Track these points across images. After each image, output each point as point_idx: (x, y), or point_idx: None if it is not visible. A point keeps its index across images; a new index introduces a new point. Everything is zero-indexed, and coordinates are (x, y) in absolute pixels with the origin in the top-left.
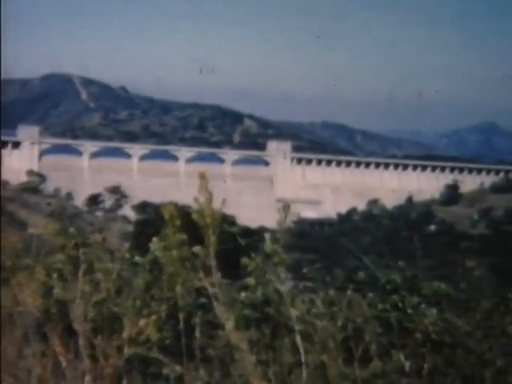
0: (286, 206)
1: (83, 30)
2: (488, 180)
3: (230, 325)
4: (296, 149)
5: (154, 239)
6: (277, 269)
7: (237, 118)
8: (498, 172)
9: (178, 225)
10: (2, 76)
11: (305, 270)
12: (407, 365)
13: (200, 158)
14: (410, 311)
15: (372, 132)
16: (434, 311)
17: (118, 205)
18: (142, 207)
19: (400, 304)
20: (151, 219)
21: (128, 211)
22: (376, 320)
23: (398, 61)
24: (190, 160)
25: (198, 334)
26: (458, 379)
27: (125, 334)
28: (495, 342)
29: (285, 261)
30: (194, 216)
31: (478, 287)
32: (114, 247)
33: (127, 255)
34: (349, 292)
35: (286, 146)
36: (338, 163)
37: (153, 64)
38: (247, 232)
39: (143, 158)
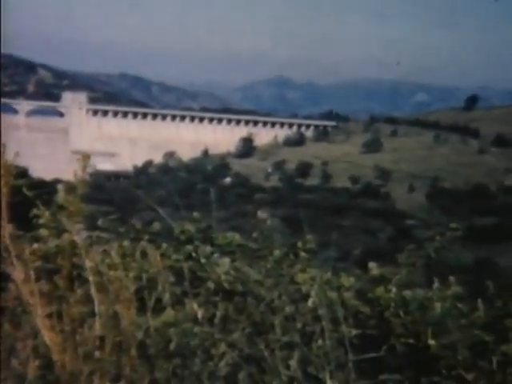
0: (85, 156)
1: None
2: (281, 133)
3: (20, 277)
4: (92, 100)
5: None
6: (71, 219)
7: (30, 67)
8: (291, 125)
9: None
10: None
11: (99, 222)
12: (200, 313)
13: None
14: (203, 261)
15: (168, 84)
16: (227, 261)
17: None
18: None
19: (193, 254)
20: None
21: None
22: (169, 270)
23: (206, 16)
24: None
25: None
26: (248, 326)
27: None
28: (284, 290)
29: (82, 211)
30: None
31: (270, 237)
32: None
33: None
34: (142, 243)
35: (82, 97)
36: (135, 115)
37: None
38: (40, 184)
39: None
